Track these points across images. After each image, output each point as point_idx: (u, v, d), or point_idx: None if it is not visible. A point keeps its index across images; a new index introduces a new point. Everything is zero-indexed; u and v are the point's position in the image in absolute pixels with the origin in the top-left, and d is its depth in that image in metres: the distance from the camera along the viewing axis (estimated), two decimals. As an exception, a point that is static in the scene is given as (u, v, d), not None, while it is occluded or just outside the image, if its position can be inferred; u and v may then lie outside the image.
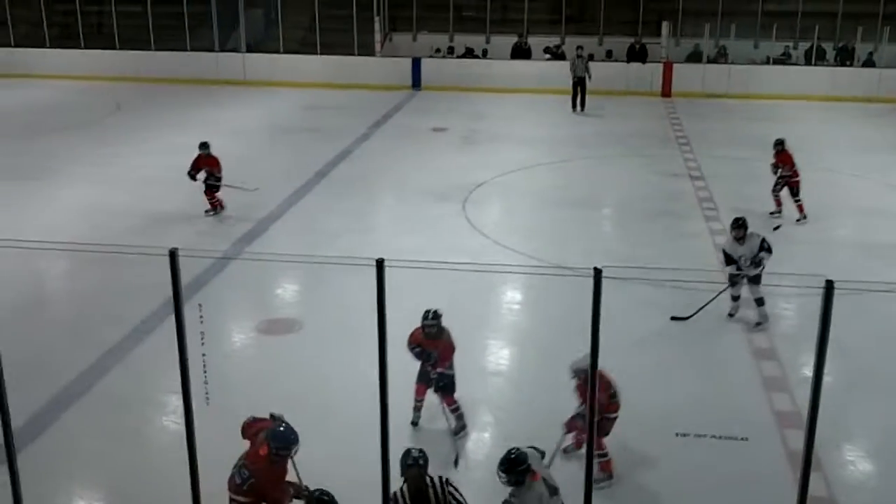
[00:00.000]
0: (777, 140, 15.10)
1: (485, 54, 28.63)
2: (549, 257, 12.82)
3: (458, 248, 13.05)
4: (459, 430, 8.56)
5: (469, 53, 28.60)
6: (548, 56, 27.86)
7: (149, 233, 13.85)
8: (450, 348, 8.48)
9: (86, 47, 28.65)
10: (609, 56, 27.93)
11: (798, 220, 14.92)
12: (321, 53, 27.86)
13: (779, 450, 8.40)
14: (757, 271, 10.81)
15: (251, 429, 6.88)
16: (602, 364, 5.73)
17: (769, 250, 10.75)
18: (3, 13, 29.09)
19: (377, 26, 28.45)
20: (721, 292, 10.95)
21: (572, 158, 19.28)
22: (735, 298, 11.16)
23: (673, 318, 11.05)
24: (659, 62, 26.86)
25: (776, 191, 15.06)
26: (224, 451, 6.86)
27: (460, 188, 16.55)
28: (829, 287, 5.18)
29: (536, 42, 28.29)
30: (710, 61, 27.23)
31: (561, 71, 24.88)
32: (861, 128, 22.80)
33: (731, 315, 11.19)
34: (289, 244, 13.33)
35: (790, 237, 14.04)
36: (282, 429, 6.68)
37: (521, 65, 27.42)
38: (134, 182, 16.68)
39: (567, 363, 7.67)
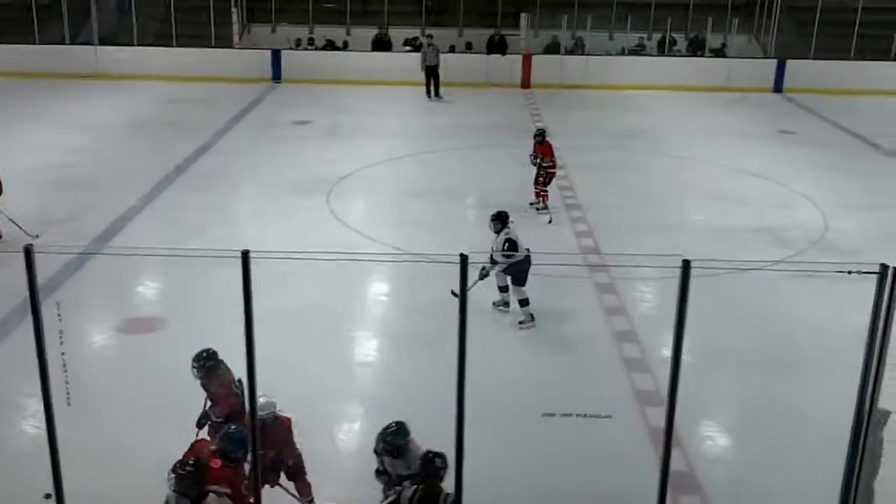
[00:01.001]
0: (538, 130, 15.35)
1: (346, 46, 28.53)
2: (414, 247, 12.87)
3: (323, 240, 12.95)
4: None
5: (330, 45, 28.43)
6: (408, 48, 27.94)
7: (-1, 232, 13.35)
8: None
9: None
10: (469, 48, 28.24)
11: (532, 205, 15.06)
12: (177, 46, 27.13)
13: (641, 427, 8.68)
14: (496, 267, 10.72)
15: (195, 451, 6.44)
16: (471, 346, 5.81)
17: (505, 252, 10.63)
18: None
19: (235, 18, 28.00)
20: (478, 280, 10.60)
21: (435, 150, 19.41)
22: (501, 290, 11.05)
23: (453, 293, 11.07)
24: (518, 54, 27.28)
25: (538, 183, 15.14)
26: (87, 453, 6.65)
27: (324, 181, 16.44)
28: (686, 267, 5.38)
29: (397, 34, 28.36)
30: (567, 53, 27.85)
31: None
32: (712, 116, 23.73)
33: (494, 304, 11.13)
34: (148, 240, 12.98)
35: (642, 225, 14.52)
36: (232, 429, 6.43)
37: (382, 57, 27.37)
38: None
39: (436, 350, 7.72)
